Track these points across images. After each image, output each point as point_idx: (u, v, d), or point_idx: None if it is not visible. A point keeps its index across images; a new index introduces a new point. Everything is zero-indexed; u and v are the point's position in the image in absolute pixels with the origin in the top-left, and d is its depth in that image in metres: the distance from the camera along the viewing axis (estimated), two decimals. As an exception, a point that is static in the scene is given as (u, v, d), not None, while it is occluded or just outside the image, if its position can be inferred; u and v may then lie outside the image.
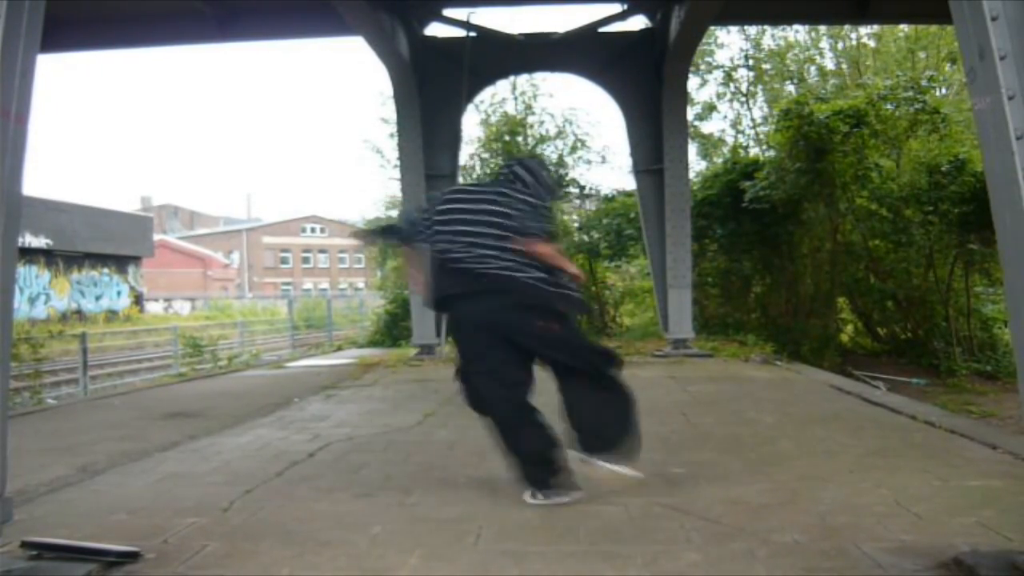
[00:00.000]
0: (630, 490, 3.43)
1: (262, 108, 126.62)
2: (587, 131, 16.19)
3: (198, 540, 2.85)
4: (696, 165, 18.65)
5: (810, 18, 14.90)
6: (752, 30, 20.35)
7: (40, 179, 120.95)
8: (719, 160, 18.49)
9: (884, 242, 12.26)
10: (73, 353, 13.99)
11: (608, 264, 15.46)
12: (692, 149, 18.81)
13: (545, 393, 3.50)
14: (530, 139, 15.81)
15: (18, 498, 3.25)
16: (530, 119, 15.95)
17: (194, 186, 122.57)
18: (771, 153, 13.98)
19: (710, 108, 20.99)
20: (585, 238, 15.37)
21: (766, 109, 21.16)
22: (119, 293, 30.52)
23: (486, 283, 3.26)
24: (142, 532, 2.94)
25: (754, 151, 18.23)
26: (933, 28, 18.17)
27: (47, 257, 26.48)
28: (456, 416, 5.64)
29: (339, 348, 15.44)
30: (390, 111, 14.90)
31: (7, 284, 2.45)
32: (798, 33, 21.17)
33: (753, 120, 21.35)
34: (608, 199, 15.82)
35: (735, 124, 21.46)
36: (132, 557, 2.63)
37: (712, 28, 17.69)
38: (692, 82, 19.14)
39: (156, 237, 37.87)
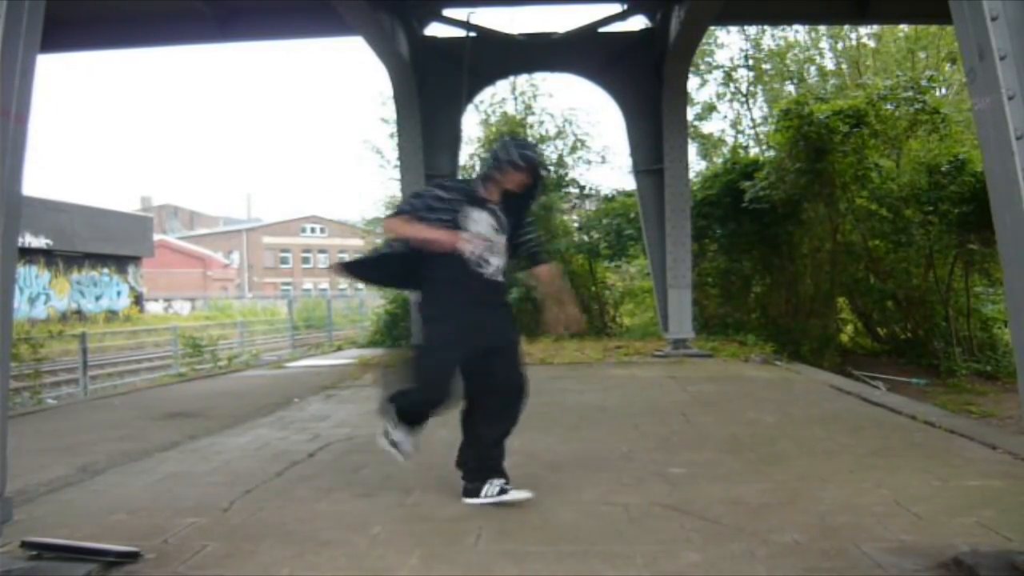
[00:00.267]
0: (630, 490, 3.44)
1: (262, 108, 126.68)
2: (587, 131, 16.23)
3: (198, 540, 2.85)
4: (696, 165, 18.68)
5: (810, 18, 14.90)
6: (752, 30, 20.37)
7: (40, 179, 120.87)
8: (719, 160, 18.49)
9: (884, 242, 12.26)
10: (73, 353, 13.98)
11: (608, 264, 15.46)
12: (692, 149, 18.83)
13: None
14: (530, 139, 15.81)
15: (18, 498, 3.25)
16: (530, 119, 15.96)
17: (194, 186, 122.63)
18: (771, 153, 13.97)
19: (710, 108, 21.01)
20: (585, 238, 15.37)
21: (766, 109, 21.17)
22: (119, 293, 30.51)
23: None
24: (142, 532, 2.94)
25: (754, 151, 18.24)
26: (933, 28, 18.17)
27: (47, 257, 26.48)
28: (456, 416, 5.64)
29: (339, 348, 15.43)
30: (390, 111, 14.90)
31: (7, 284, 2.45)
32: (798, 33, 21.20)
33: (753, 120, 21.38)
34: (608, 199, 15.82)
35: (735, 124, 21.49)
36: (132, 557, 2.63)
37: (712, 28, 17.70)
38: (692, 82, 19.17)
39: (156, 237, 37.87)
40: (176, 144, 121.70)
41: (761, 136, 19.75)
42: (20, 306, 23.65)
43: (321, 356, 12.85)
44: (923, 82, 12.66)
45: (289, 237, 62.43)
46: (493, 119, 15.95)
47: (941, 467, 3.75)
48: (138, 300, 32.07)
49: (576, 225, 16.01)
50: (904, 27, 19.47)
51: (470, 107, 13.14)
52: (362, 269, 3.75)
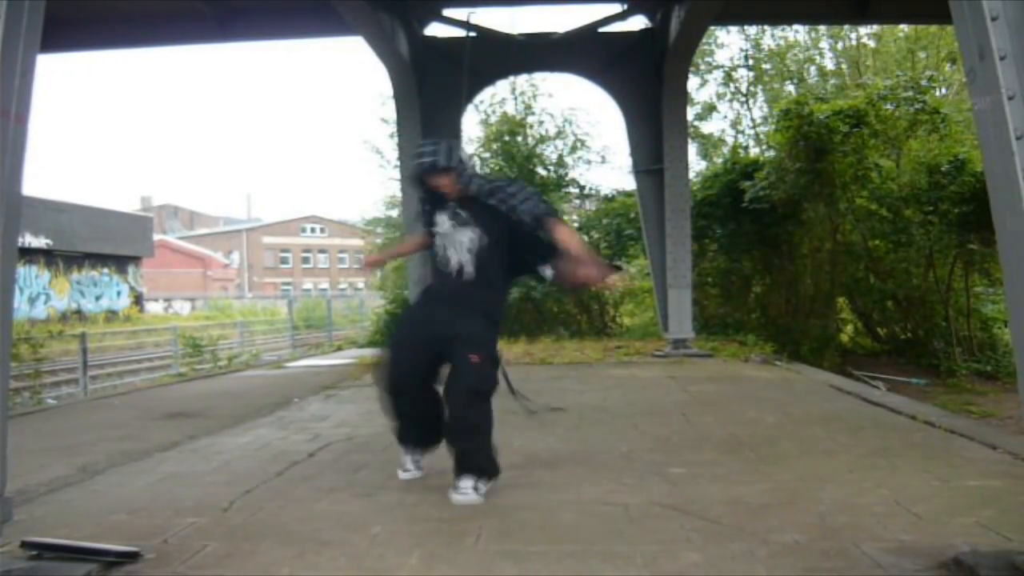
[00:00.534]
0: (630, 490, 3.44)
1: (262, 108, 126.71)
2: (587, 131, 16.21)
3: (198, 540, 2.85)
4: (696, 165, 18.68)
5: (810, 18, 14.89)
6: (752, 30, 20.39)
7: (40, 179, 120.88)
8: (719, 160, 18.50)
9: (884, 242, 12.26)
10: (73, 353, 13.99)
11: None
12: (692, 149, 18.84)
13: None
14: (530, 139, 15.82)
15: (18, 498, 3.25)
16: (530, 119, 15.96)
17: (194, 186, 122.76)
18: (771, 153, 13.97)
19: (710, 108, 21.02)
20: (585, 238, 15.37)
21: (766, 109, 21.18)
22: (119, 293, 30.52)
23: None
24: (142, 532, 2.94)
25: (754, 151, 18.25)
26: (933, 28, 18.19)
27: (47, 257, 26.48)
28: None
29: (339, 348, 15.44)
30: (390, 111, 14.93)
31: (7, 284, 2.45)
32: (798, 33, 21.22)
33: (753, 120, 21.39)
34: (608, 199, 15.83)
35: (735, 124, 21.51)
36: (132, 557, 2.63)
37: (712, 28, 17.71)
38: (692, 82, 19.18)
39: (156, 237, 37.89)
40: (176, 144, 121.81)
41: (761, 136, 19.76)
42: (20, 306, 23.65)
43: (321, 356, 12.85)
44: (923, 82, 12.66)
45: (289, 237, 62.45)
46: (493, 119, 15.95)
47: (941, 467, 3.75)
48: (138, 300, 32.07)
49: (576, 225, 16.00)
50: (904, 27, 19.48)
51: (470, 107, 13.14)
52: None
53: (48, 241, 25.93)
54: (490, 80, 11.84)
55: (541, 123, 16.03)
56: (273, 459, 4.28)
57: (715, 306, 13.45)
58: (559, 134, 15.97)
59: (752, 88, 21.25)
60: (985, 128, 2.38)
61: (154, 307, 37.31)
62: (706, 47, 19.64)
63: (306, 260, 63.07)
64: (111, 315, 29.49)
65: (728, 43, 27.64)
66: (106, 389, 12.31)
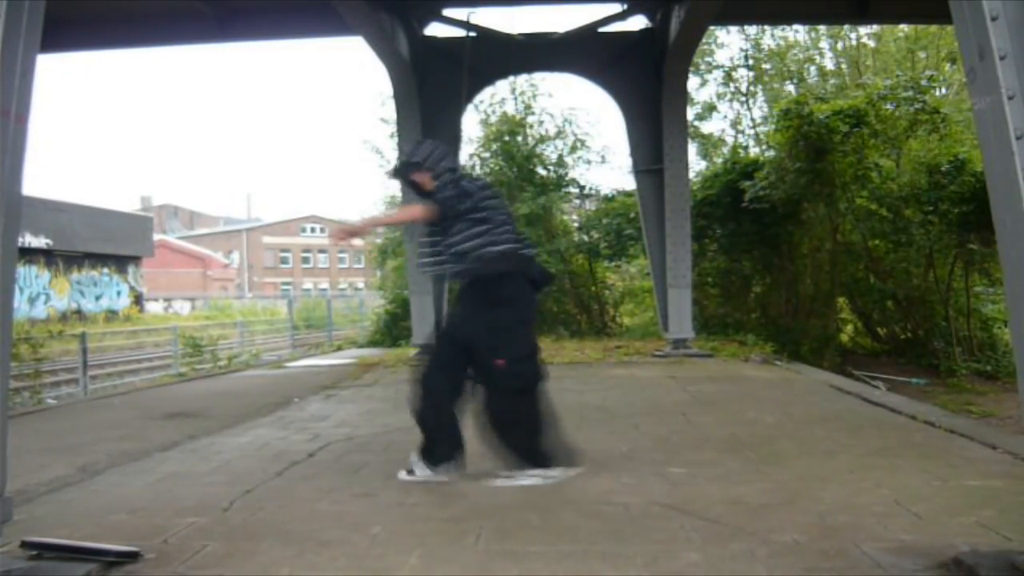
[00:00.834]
0: (630, 490, 3.44)
1: (262, 108, 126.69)
2: (587, 131, 16.20)
3: (198, 540, 2.85)
4: (696, 165, 18.65)
5: (810, 18, 14.89)
6: (752, 30, 20.35)
7: (40, 179, 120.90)
8: (719, 160, 18.48)
9: (884, 242, 12.26)
10: (73, 353, 13.99)
11: (608, 264, 15.47)
12: (692, 149, 18.81)
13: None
14: (530, 139, 15.82)
15: (18, 498, 3.25)
16: (530, 119, 15.95)
17: (194, 186, 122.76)
18: (771, 153, 13.97)
19: (710, 108, 20.99)
20: (585, 238, 15.38)
21: (766, 109, 21.15)
22: (119, 293, 30.52)
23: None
24: (142, 532, 2.94)
25: (754, 151, 18.22)
26: (933, 28, 18.17)
27: (47, 257, 26.48)
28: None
29: (339, 348, 15.44)
30: (390, 111, 14.92)
31: (7, 284, 2.45)
32: (798, 33, 21.19)
33: (753, 120, 21.37)
34: (608, 199, 15.82)
35: (735, 124, 21.47)
36: (132, 557, 2.63)
37: (712, 28, 17.70)
38: (692, 82, 19.15)
39: (156, 237, 37.89)
40: (176, 144, 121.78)
41: (761, 136, 19.74)
42: (20, 306, 23.65)
43: (321, 356, 12.85)
44: (923, 82, 12.65)
45: (289, 237, 62.45)
46: (493, 119, 15.94)
47: (941, 467, 3.75)
48: (138, 300, 32.08)
49: (576, 225, 16.02)
50: (904, 27, 19.46)
51: (470, 107, 13.14)
52: None
53: (48, 241, 25.93)
54: (490, 80, 11.84)
55: (541, 123, 16.03)
56: (273, 459, 4.28)
57: (715, 306, 13.45)
58: (559, 134, 15.97)
59: (752, 88, 21.23)
60: (985, 128, 2.38)
61: (154, 307, 37.32)
62: (706, 47, 19.61)
63: (306, 260, 63.08)
64: (111, 315, 29.49)
65: (728, 43, 27.62)
66: (106, 389, 12.31)
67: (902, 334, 12.63)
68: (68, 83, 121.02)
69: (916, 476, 3.58)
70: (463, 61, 10.00)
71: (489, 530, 2.92)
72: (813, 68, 21.62)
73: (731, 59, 21.13)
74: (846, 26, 19.40)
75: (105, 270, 29.80)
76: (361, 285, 52.97)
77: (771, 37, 21.00)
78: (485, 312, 3.59)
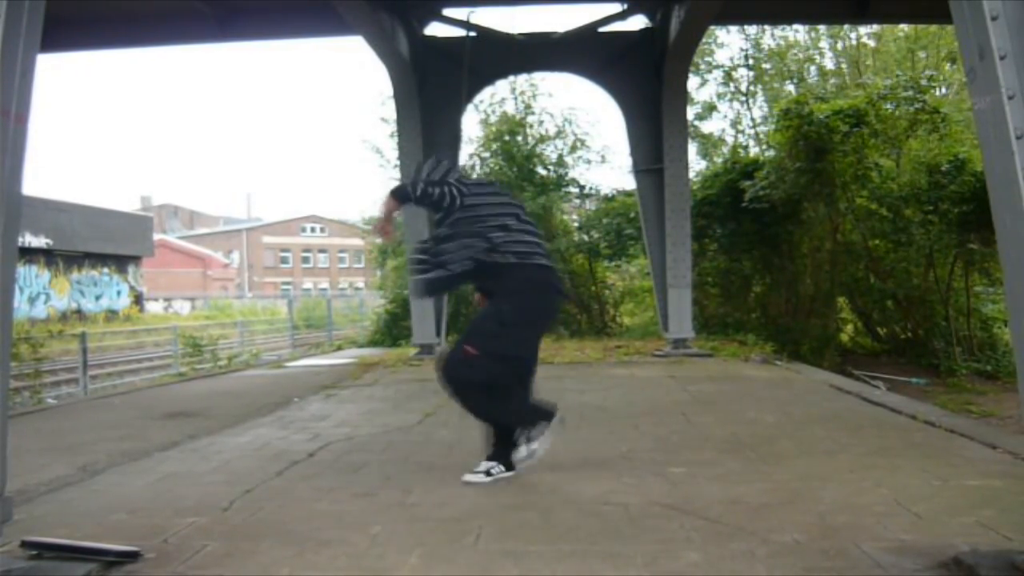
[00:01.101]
0: (630, 490, 3.44)
1: (262, 108, 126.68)
2: (587, 131, 16.22)
3: (198, 540, 2.85)
4: (696, 165, 18.67)
5: (810, 18, 14.90)
6: (752, 30, 20.36)
7: (40, 179, 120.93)
8: (719, 160, 18.49)
9: (884, 242, 12.26)
10: (73, 353, 14.00)
11: (608, 264, 15.47)
12: (692, 149, 18.82)
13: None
14: (530, 139, 15.82)
15: (18, 498, 3.25)
16: (530, 119, 15.96)
17: (194, 186, 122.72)
18: (771, 153, 13.97)
19: (710, 108, 20.99)
20: (585, 238, 15.38)
21: (766, 109, 21.16)
22: (119, 293, 30.52)
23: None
24: (142, 532, 2.94)
25: (754, 151, 18.24)
26: (933, 28, 18.17)
27: (47, 257, 26.48)
28: (456, 416, 5.63)
29: (339, 348, 15.43)
30: (390, 111, 14.90)
31: (7, 284, 2.45)
32: (798, 33, 21.20)
33: (753, 120, 21.37)
34: (608, 199, 15.83)
35: (735, 124, 21.48)
36: (132, 557, 2.63)
37: (712, 28, 17.69)
38: (692, 82, 19.15)
39: (156, 237, 37.88)
40: (176, 144, 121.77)
41: (761, 136, 19.75)
42: (20, 306, 23.65)
43: (321, 356, 12.85)
44: (923, 82, 12.66)
45: (289, 237, 62.45)
46: (493, 119, 15.95)
47: (941, 467, 3.75)
48: (138, 300, 32.07)
49: (576, 225, 16.01)
50: (904, 27, 19.46)
51: (470, 107, 13.14)
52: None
53: (48, 241, 25.93)
54: (490, 80, 11.85)
55: (541, 123, 16.05)
56: (273, 459, 4.28)
57: (715, 306, 13.45)
58: (559, 134, 15.97)
59: (752, 88, 21.23)
60: (985, 128, 2.38)
61: (154, 307, 37.31)
62: (706, 47, 19.61)
63: (306, 260, 63.09)
64: (111, 315, 29.49)
65: (728, 43, 27.59)
66: (106, 389, 12.30)
67: (902, 334, 12.63)
68: (68, 83, 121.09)
69: (916, 476, 3.58)
70: (463, 61, 10.01)
71: (489, 530, 2.92)
72: (813, 68, 21.63)
73: (731, 59, 21.15)
74: (846, 26, 19.41)
75: (105, 270, 29.80)
76: (361, 285, 52.96)
77: (771, 37, 21.03)
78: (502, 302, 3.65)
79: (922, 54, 19.86)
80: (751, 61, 20.81)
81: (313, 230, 63.24)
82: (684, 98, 10.84)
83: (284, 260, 62.38)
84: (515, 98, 16.01)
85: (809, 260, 12.77)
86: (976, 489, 3.36)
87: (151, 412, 6.22)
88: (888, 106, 12.02)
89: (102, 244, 29.06)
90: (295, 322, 22.77)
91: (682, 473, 3.74)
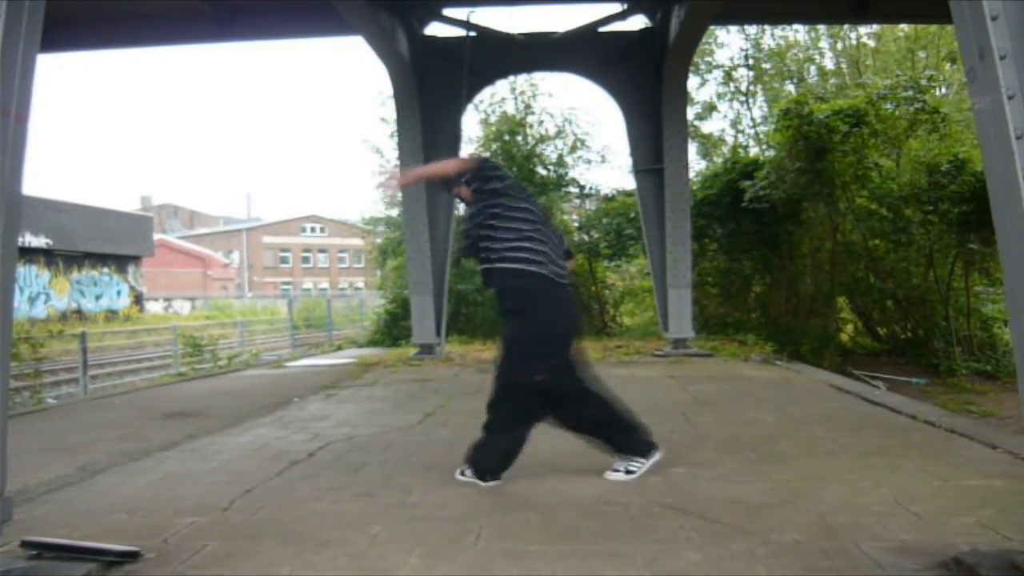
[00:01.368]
0: (630, 490, 3.44)
1: (262, 108, 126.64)
2: (587, 131, 16.22)
3: (198, 540, 2.85)
4: (696, 165, 18.66)
5: (810, 18, 14.88)
6: (752, 30, 20.34)
7: (40, 179, 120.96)
8: (719, 160, 18.49)
9: (884, 242, 12.26)
10: (73, 353, 13.99)
11: (608, 264, 15.47)
12: (692, 149, 18.82)
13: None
14: (530, 139, 15.82)
15: (18, 498, 3.25)
16: (529, 119, 15.96)
17: (194, 186, 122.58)
18: (771, 153, 13.97)
19: (710, 108, 20.98)
20: (585, 238, 15.38)
21: (766, 109, 21.15)
22: (119, 293, 30.51)
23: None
24: (142, 532, 2.94)
25: (754, 151, 18.23)
26: (933, 28, 18.16)
27: (47, 257, 26.48)
28: (456, 416, 5.65)
29: (339, 348, 15.43)
30: (390, 111, 14.92)
31: (7, 284, 2.45)
32: (798, 33, 21.18)
33: (753, 120, 21.35)
34: (608, 199, 15.83)
35: (735, 124, 21.46)
36: (132, 557, 2.63)
37: (712, 28, 17.69)
38: (692, 82, 19.14)
39: (156, 237, 37.86)
40: (176, 144, 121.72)
41: (761, 136, 19.74)
42: (20, 306, 23.66)
43: (321, 356, 12.85)
44: (923, 81, 12.65)
45: (289, 237, 62.44)
46: (493, 119, 15.96)
47: (941, 467, 3.75)
48: (138, 300, 32.07)
49: (576, 225, 16.01)
50: (904, 26, 19.45)
51: (470, 107, 13.14)
52: None
53: (48, 241, 25.92)
54: (490, 80, 11.84)
55: (541, 123, 16.06)
56: (273, 459, 4.29)
57: (715, 306, 13.45)
58: (559, 134, 15.98)
59: (752, 88, 21.21)
60: (985, 128, 2.38)
61: (154, 307, 37.30)
62: (706, 47, 19.60)
63: (306, 260, 63.07)
64: (111, 315, 29.48)
65: (728, 43, 27.61)
66: (106, 389, 12.30)
67: (902, 334, 12.63)
68: (68, 83, 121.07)
69: (916, 476, 3.58)
70: (463, 61, 10.01)
71: (489, 530, 2.92)
72: (813, 68, 21.61)
73: (731, 59, 21.13)
74: (846, 26, 19.40)
75: (105, 270, 29.80)
76: (361, 285, 52.95)
77: (771, 37, 21.00)
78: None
79: (922, 54, 19.85)
80: (751, 61, 20.80)
81: (313, 230, 63.24)
82: (684, 98, 10.84)
83: (284, 260, 62.37)
84: (515, 98, 16.04)
85: (809, 260, 12.77)
86: (976, 489, 3.36)
87: (151, 412, 6.22)
88: (888, 106, 12.02)
89: (102, 244, 29.06)
90: (295, 322, 22.76)
91: (682, 473, 3.74)
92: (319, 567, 2.58)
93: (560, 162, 15.83)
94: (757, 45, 20.83)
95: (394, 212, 17.14)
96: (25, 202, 2.67)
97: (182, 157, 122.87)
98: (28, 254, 25.00)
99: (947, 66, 19.12)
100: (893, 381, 10.07)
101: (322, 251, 63.37)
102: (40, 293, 26.22)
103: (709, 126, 21.55)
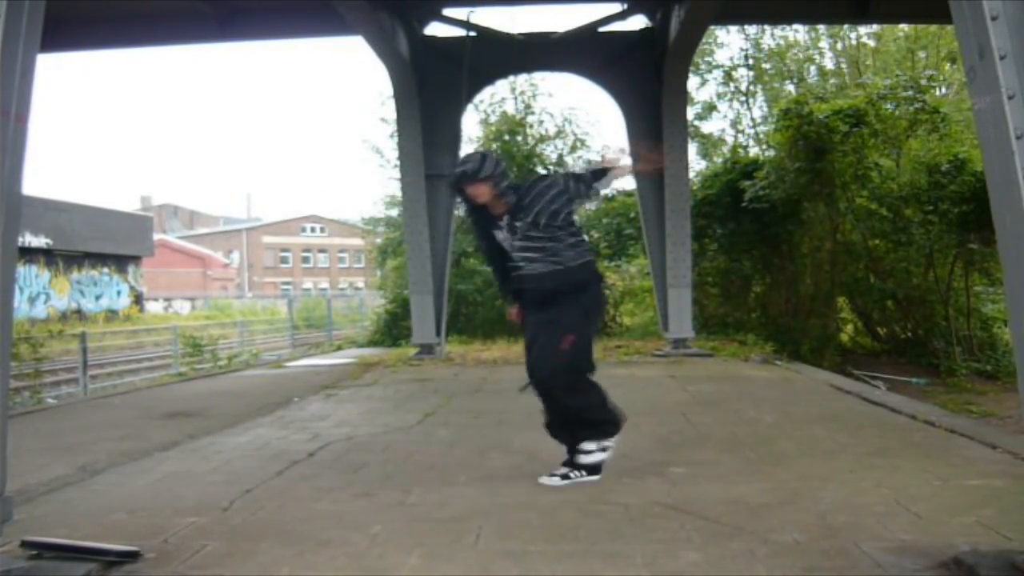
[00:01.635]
0: (630, 490, 3.44)
1: (262, 108, 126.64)
2: (587, 131, 16.22)
3: (198, 540, 2.85)
4: (696, 165, 18.65)
5: (810, 18, 14.89)
6: (752, 30, 20.35)
7: (40, 179, 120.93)
8: (719, 160, 18.49)
9: (884, 242, 12.26)
10: (73, 353, 13.99)
11: (608, 264, 15.46)
12: (692, 149, 18.80)
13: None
14: (530, 139, 15.82)
15: (18, 498, 3.24)
16: (529, 119, 15.97)
17: (194, 186, 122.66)
18: (771, 153, 13.98)
19: (710, 108, 20.98)
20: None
21: (766, 109, 21.15)
22: (119, 293, 30.51)
23: None
24: (142, 532, 2.94)
25: (754, 151, 18.23)
26: (933, 28, 18.16)
27: (47, 257, 26.47)
28: (456, 416, 5.65)
29: (339, 348, 15.43)
30: (390, 111, 14.91)
31: (7, 284, 2.45)
32: (798, 33, 21.18)
33: (753, 120, 21.36)
34: (608, 199, 15.82)
35: (735, 124, 21.46)
36: (132, 557, 2.63)
37: (712, 28, 17.69)
38: (692, 82, 19.14)
39: (156, 237, 37.87)
40: (176, 144, 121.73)
41: (761, 136, 19.74)
42: (20, 306, 23.64)
43: (321, 356, 12.85)
44: (923, 81, 12.66)
45: (289, 237, 62.44)
46: (493, 119, 15.95)
47: (941, 467, 3.75)
48: (138, 300, 32.06)
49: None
50: (904, 26, 19.46)
51: (470, 107, 13.14)
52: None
53: (48, 241, 25.92)
54: (490, 80, 11.84)
55: (541, 123, 16.06)
56: (273, 459, 4.29)
57: (715, 306, 13.45)
58: (559, 134, 15.99)
59: (752, 88, 21.22)
60: (985, 128, 2.38)
61: (154, 307, 37.30)
62: (706, 47, 19.60)
63: (306, 260, 63.08)
64: (111, 315, 29.47)
65: (728, 43, 27.59)
66: (106, 389, 12.30)
67: (902, 334, 12.63)
68: (68, 83, 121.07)
69: (916, 476, 3.58)
70: (463, 61, 10.00)
71: (489, 530, 2.92)
72: (813, 68, 21.61)
73: (731, 59, 21.13)
74: (846, 26, 19.40)
75: (105, 270, 29.79)
76: (361, 285, 52.95)
77: (771, 37, 21.00)
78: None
79: (922, 54, 19.85)
80: (751, 61, 20.80)
81: (313, 230, 63.25)
82: (684, 98, 10.84)
83: (284, 260, 62.37)
84: (515, 98, 16.04)
85: (809, 260, 12.77)
86: (976, 489, 3.36)
87: (151, 412, 6.22)
88: (888, 106, 12.02)
89: (102, 244, 29.06)
90: (295, 322, 22.77)
91: (682, 473, 3.74)
92: (319, 567, 2.58)
93: (560, 162, 15.83)
94: (757, 45, 20.84)
95: (394, 212, 17.14)
96: (25, 202, 2.68)
97: (182, 157, 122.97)
98: (28, 254, 24.99)
99: (947, 66, 19.12)
100: (893, 381, 10.07)
101: (322, 251, 63.37)
102: (40, 293, 26.22)
103: (709, 126, 21.58)
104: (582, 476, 3.61)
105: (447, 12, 10.60)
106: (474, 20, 10.57)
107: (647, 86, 10.46)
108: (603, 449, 3.66)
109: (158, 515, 3.18)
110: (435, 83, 10.49)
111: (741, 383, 7.30)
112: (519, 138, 15.60)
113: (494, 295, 12.98)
